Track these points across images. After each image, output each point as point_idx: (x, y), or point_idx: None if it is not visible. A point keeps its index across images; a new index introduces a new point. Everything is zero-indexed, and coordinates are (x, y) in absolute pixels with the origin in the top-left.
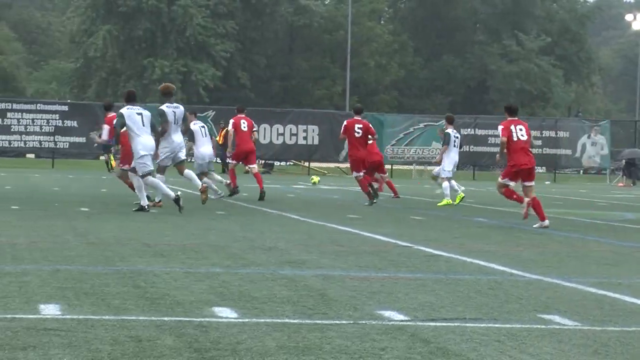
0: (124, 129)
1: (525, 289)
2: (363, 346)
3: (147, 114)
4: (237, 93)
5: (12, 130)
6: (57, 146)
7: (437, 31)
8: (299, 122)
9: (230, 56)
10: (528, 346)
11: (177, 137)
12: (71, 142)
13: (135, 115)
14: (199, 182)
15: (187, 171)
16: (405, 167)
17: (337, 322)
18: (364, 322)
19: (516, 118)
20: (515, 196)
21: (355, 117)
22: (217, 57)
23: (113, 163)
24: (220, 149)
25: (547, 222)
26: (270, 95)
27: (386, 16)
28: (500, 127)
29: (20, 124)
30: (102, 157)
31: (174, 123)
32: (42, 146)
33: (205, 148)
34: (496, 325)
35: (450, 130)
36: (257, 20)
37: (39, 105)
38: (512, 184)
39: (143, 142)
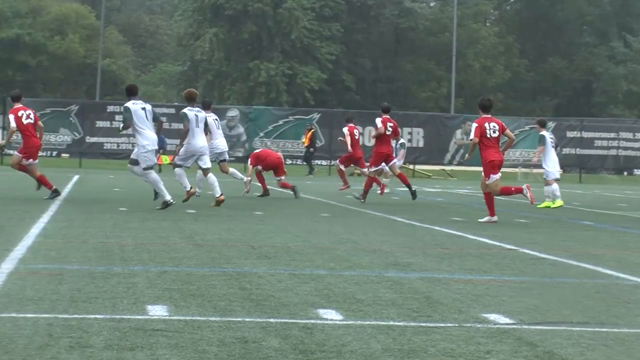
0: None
1: (633, 293)
2: (468, 349)
3: (149, 108)
4: (342, 95)
5: (120, 133)
6: (167, 147)
7: (543, 33)
8: (404, 124)
9: (335, 59)
10: (636, 351)
11: (200, 141)
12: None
13: (140, 110)
14: (219, 191)
15: (210, 175)
16: (511, 169)
17: (442, 325)
18: (469, 325)
19: (489, 115)
20: (513, 189)
21: (385, 116)
22: (323, 60)
23: (168, 159)
24: (307, 151)
25: (495, 217)
26: (375, 98)
27: (492, 18)
28: (474, 126)
29: None
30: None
31: (196, 126)
32: None
33: (219, 140)
34: (603, 330)
35: (545, 133)
36: (362, 22)
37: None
38: (497, 176)
39: (148, 136)
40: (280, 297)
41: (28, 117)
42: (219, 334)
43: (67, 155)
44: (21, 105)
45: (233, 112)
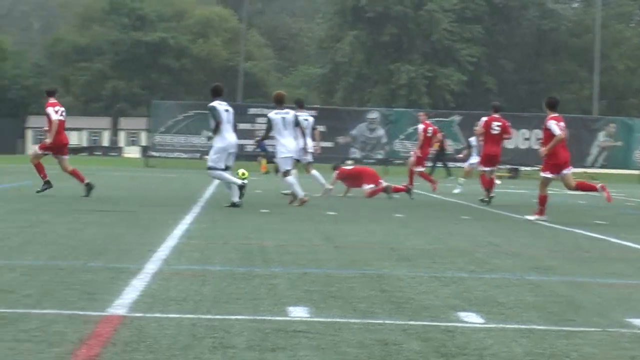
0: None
1: None
2: (612, 354)
3: (231, 110)
4: (483, 97)
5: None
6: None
7: None
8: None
9: (476, 60)
10: None
11: (289, 142)
12: (321, 147)
13: (224, 112)
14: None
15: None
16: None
17: (585, 329)
18: (612, 329)
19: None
20: (590, 186)
21: (494, 115)
22: (463, 62)
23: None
24: (440, 153)
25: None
26: (518, 100)
27: (636, 18)
28: (559, 124)
29: None
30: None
31: (284, 129)
32: None
33: (309, 141)
34: None
35: None
36: (503, 24)
37: None
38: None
39: (227, 138)
40: (421, 299)
41: (61, 113)
42: (359, 336)
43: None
44: (56, 101)
45: (373, 115)
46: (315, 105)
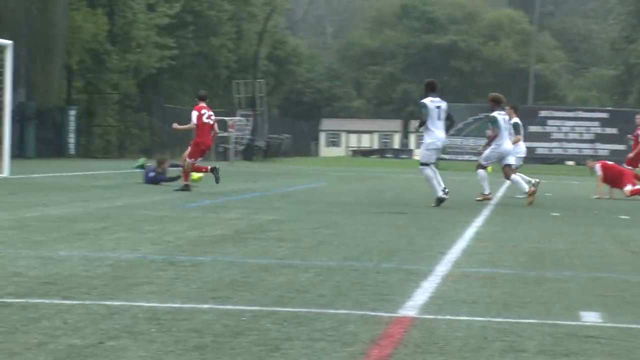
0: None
1: None
2: None
3: (444, 106)
4: None
5: (552, 137)
6: (597, 153)
7: None
8: None
9: None
10: None
11: (507, 144)
12: (612, 150)
13: (434, 109)
14: (525, 187)
15: (513, 176)
16: None
17: None
18: None
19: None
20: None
21: None
22: None
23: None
24: None
25: None
26: None
27: None
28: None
29: (561, 131)
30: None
31: (504, 129)
32: (582, 153)
33: (507, 143)
34: None
35: None
36: None
37: (578, 112)
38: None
39: (435, 134)
40: None
41: (209, 117)
42: None
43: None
44: (205, 105)
45: None
46: (608, 108)
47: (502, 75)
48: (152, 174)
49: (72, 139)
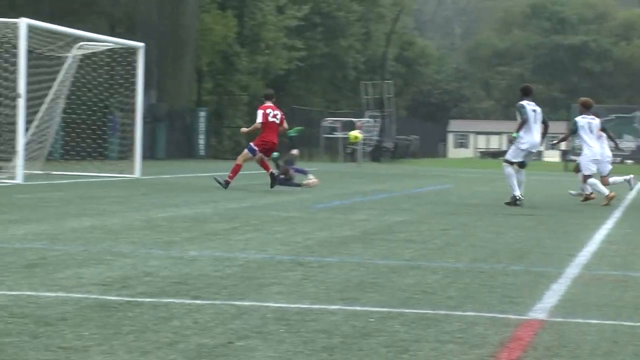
0: None
1: None
2: None
3: (539, 110)
4: None
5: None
6: None
7: None
8: None
9: None
10: None
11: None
12: None
13: (531, 112)
14: (604, 190)
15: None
16: None
17: None
18: None
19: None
20: None
21: None
22: None
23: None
24: None
25: None
26: None
27: None
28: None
29: None
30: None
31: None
32: None
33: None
34: None
35: None
36: None
37: None
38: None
39: (531, 137)
40: None
41: (274, 116)
42: None
43: (631, 161)
44: (271, 104)
45: None
46: None
47: (634, 75)
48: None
49: (201, 140)
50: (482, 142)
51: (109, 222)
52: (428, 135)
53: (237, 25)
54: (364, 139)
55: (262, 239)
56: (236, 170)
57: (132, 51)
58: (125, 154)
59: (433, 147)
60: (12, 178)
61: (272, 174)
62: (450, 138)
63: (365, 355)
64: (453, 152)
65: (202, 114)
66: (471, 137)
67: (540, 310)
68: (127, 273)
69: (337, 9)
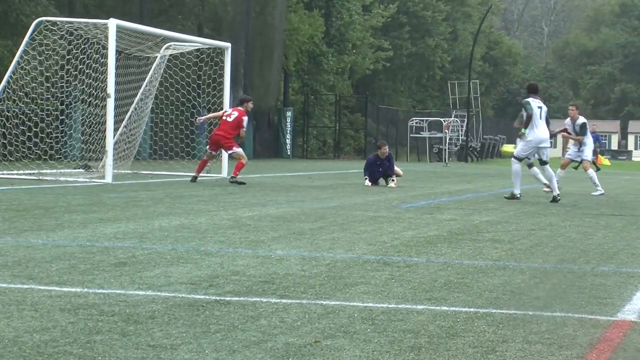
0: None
1: None
2: None
3: (545, 108)
4: None
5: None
6: None
7: None
8: None
9: None
10: None
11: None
12: None
13: (536, 109)
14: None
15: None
16: None
17: None
18: None
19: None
20: None
21: None
22: None
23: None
24: None
25: None
26: None
27: None
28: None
29: None
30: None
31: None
32: None
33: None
34: None
35: None
36: None
37: None
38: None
39: (538, 133)
40: None
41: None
42: None
43: None
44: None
45: None
46: None
47: None
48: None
49: (288, 139)
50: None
51: (196, 221)
52: (515, 135)
53: (324, 25)
54: (450, 139)
55: (349, 238)
56: (239, 167)
57: (220, 51)
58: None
59: None
60: (102, 178)
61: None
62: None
63: (452, 356)
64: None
65: (289, 113)
66: (559, 136)
67: (629, 312)
68: (215, 272)
69: (423, 8)
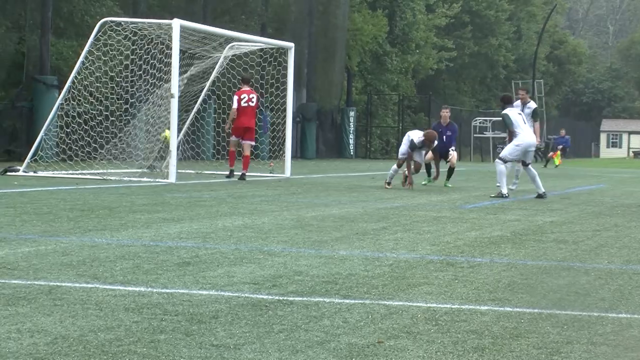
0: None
1: None
2: None
3: (527, 111)
4: None
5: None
6: None
7: None
8: None
9: None
10: None
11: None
12: None
13: (516, 115)
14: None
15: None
16: None
17: None
18: None
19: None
20: None
21: None
22: None
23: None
24: None
25: None
26: None
27: None
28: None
29: None
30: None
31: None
32: None
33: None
34: None
35: None
36: None
37: None
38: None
39: (521, 136)
40: None
41: (248, 101)
42: None
43: None
44: (247, 89)
45: None
46: None
47: None
48: None
49: (351, 139)
50: (635, 142)
51: (259, 221)
52: (580, 135)
53: (388, 25)
54: None
55: (412, 238)
56: (245, 163)
57: (283, 51)
58: (276, 153)
59: (585, 147)
60: (166, 177)
61: (231, 171)
62: (603, 138)
63: (516, 357)
64: (605, 152)
65: (352, 113)
66: (624, 136)
67: None
68: (278, 272)
69: (486, 8)
